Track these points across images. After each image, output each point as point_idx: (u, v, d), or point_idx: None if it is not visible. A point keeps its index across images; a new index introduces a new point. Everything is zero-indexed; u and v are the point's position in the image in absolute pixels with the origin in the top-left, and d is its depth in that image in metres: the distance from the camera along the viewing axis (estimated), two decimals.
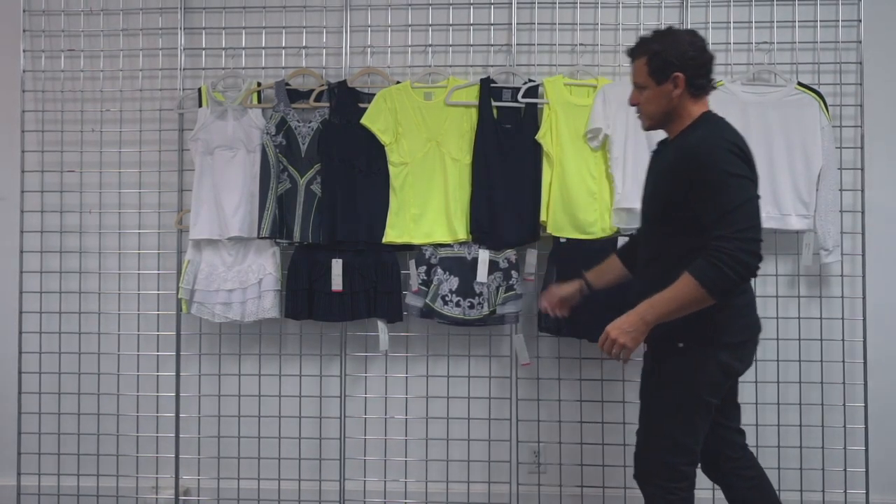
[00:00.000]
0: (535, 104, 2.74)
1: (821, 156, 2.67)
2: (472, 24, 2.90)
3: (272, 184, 2.75)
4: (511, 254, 2.74)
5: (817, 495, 2.81)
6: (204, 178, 2.80)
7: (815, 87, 2.73)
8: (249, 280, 2.78)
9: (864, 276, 2.78)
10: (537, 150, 2.72)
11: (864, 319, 2.78)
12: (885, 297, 2.85)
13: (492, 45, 2.91)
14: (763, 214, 2.68)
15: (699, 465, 2.07)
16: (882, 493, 2.83)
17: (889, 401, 2.85)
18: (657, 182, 1.97)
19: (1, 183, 3.04)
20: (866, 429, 2.77)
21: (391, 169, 2.75)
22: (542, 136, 2.70)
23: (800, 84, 2.71)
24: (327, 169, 2.75)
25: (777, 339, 2.78)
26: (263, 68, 2.94)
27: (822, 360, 2.81)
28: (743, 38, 2.83)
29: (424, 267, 2.75)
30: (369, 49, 2.92)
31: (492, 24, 2.90)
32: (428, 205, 2.74)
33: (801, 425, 2.81)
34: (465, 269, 2.74)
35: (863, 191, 2.80)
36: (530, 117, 2.74)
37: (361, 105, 2.76)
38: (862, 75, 2.80)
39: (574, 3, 2.87)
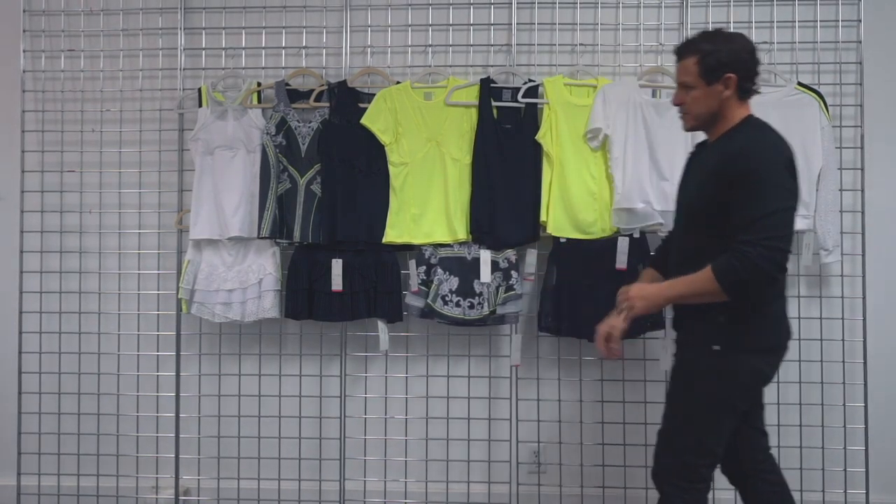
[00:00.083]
0: (535, 104, 2.74)
1: (821, 156, 2.67)
2: (472, 24, 2.90)
3: (272, 184, 2.75)
4: (511, 254, 2.74)
5: (817, 495, 2.81)
6: (204, 178, 2.80)
7: (815, 87, 2.73)
8: (249, 280, 2.78)
9: (864, 276, 2.78)
10: (537, 150, 2.72)
11: (864, 319, 2.78)
12: (885, 297, 2.85)
13: (492, 45, 2.91)
14: None
15: (719, 467, 2.08)
16: (882, 493, 2.83)
17: (889, 401, 2.85)
18: (700, 184, 1.94)
19: (1, 183, 3.04)
20: (866, 429, 2.77)
21: (391, 169, 2.75)
22: (542, 136, 2.70)
23: (800, 84, 2.71)
24: (327, 169, 2.75)
25: None
26: (263, 68, 2.94)
27: (822, 360, 2.81)
28: None
29: (424, 267, 2.75)
30: (369, 49, 2.92)
31: (492, 24, 2.90)
32: (428, 205, 2.74)
33: (801, 425, 2.82)
34: (465, 269, 2.74)
35: (863, 191, 2.80)
36: (530, 117, 2.74)
37: (361, 105, 2.76)
38: (862, 75, 2.80)
39: (574, 3, 2.87)
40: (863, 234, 2.79)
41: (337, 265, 2.74)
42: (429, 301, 2.72)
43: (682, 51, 1.95)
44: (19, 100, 2.97)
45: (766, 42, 2.80)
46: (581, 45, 2.88)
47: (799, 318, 2.81)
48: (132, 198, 2.99)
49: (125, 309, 2.99)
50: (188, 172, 2.88)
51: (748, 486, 2.11)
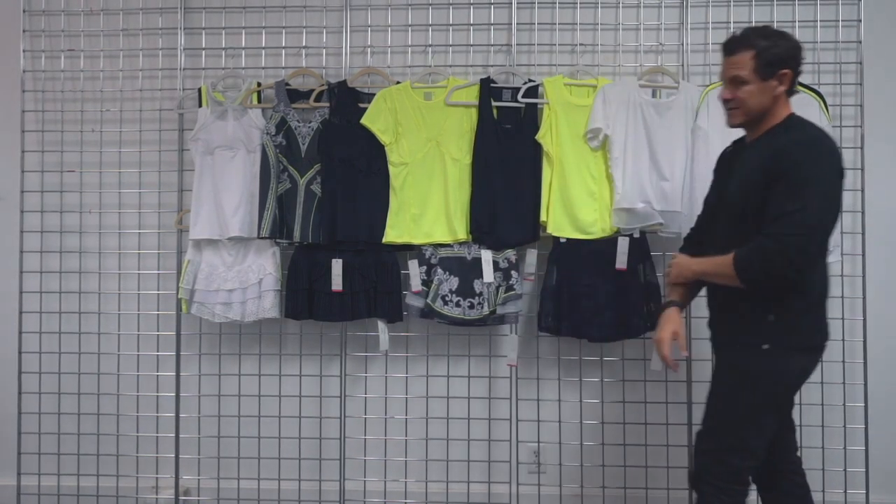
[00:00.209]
0: (535, 104, 2.74)
1: None
2: (472, 24, 2.90)
3: (272, 184, 2.75)
4: (511, 254, 2.74)
5: (817, 495, 2.78)
6: (204, 178, 2.80)
7: (815, 87, 2.73)
8: (249, 280, 2.78)
9: (864, 276, 2.78)
10: (537, 150, 2.72)
11: (864, 319, 2.78)
12: (885, 297, 2.85)
13: (492, 45, 2.91)
14: None
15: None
16: (882, 493, 2.83)
17: (889, 401, 2.85)
18: (745, 182, 1.91)
19: (1, 183, 3.04)
20: (866, 429, 2.77)
21: (391, 169, 2.75)
22: (542, 136, 2.70)
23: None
24: (327, 169, 2.75)
25: None
26: (263, 68, 2.94)
27: (822, 360, 2.80)
28: None
29: (424, 267, 2.75)
30: (369, 49, 2.92)
31: (492, 24, 2.90)
32: (428, 205, 2.74)
33: (800, 425, 2.79)
34: (465, 269, 2.74)
35: (863, 191, 2.80)
36: (530, 117, 2.74)
37: (361, 105, 2.76)
38: (862, 75, 2.80)
39: (574, 3, 2.87)
40: (863, 234, 2.79)
41: (337, 265, 2.74)
42: (429, 301, 2.72)
43: (734, 45, 1.91)
44: (19, 100, 2.97)
45: None
46: (581, 45, 2.88)
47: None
48: (132, 198, 2.99)
49: (125, 309, 2.99)
50: (188, 172, 2.88)
51: (775, 485, 2.09)
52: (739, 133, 2.71)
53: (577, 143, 2.71)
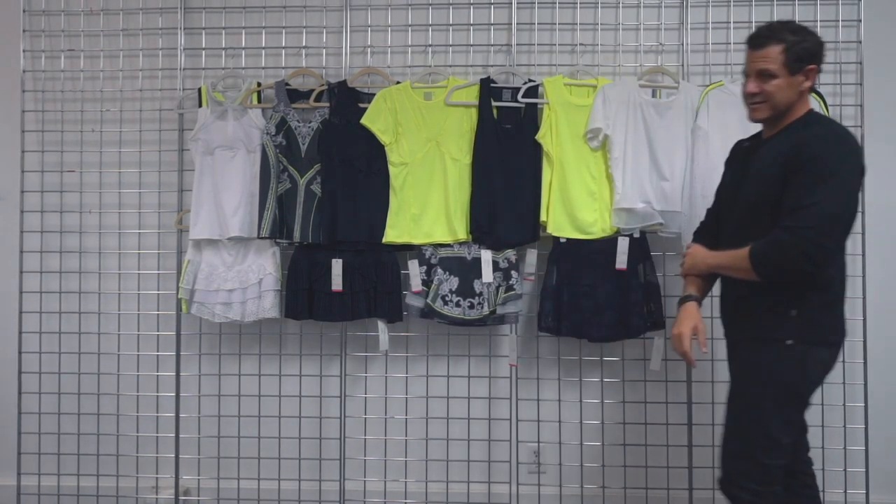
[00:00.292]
0: (535, 104, 2.74)
1: None
2: (472, 24, 2.90)
3: (272, 184, 2.75)
4: (511, 254, 2.74)
5: None
6: (204, 178, 2.81)
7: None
8: (249, 280, 2.78)
9: (864, 276, 2.78)
10: (537, 150, 2.72)
11: (864, 319, 2.78)
12: (885, 297, 2.85)
13: (492, 45, 2.91)
14: None
15: None
16: (882, 493, 2.83)
17: (889, 401, 2.85)
18: (764, 179, 1.89)
19: (1, 183, 3.04)
20: (866, 429, 2.77)
21: (391, 169, 2.75)
22: (542, 136, 2.70)
23: None
24: (327, 169, 2.75)
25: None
26: (263, 68, 2.94)
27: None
28: (743, 38, 2.80)
29: (424, 267, 2.75)
30: (369, 49, 2.92)
31: (492, 24, 2.90)
32: (428, 205, 2.74)
33: None
34: (465, 269, 2.74)
35: (863, 191, 2.80)
36: (530, 117, 2.74)
37: (361, 105, 2.76)
38: (862, 75, 2.80)
39: (574, 3, 2.87)
40: (863, 234, 2.79)
41: (337, 265, 2.74)
42: (428, 301, 2.72)
43: (762, 39, 1.89)
44: (19, 100, 2.97)
45: None
46: (581, 45, 2.88)
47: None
48: (132, 198, 2.99)
49: (125, 309, 2.99)
50: (188, 172, 2.88)
51: (788, 486, 2.05)
52: (738, 133, 2.71)
53: (577, 143, 2.71)
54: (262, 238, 2.77)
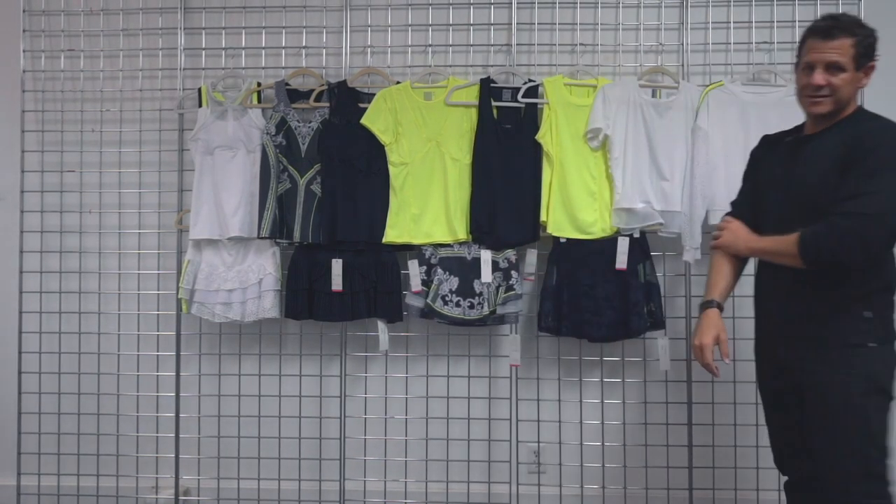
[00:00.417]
0: (535, 104, 2.74)
1: None
2: (472, 24, 2.90)
3: (272, 184, 2.75)
4: (511, 254, 2.74)
5: None
6: (204, 178, 2.81)
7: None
8: (249, 280, 2.78)
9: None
10: (537, 150, 2.72)
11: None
12: None
13: (492, 45, 2.91)
14: None
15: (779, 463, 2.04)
16: None
17: None
18: (823, 170, 1.82)
19: (1, 183, 3.04)
20: None
21: (391, 169, 2.75)
22: (542, 136, 2.70)
23: None
24: (327, 169, 2.75)
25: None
26: (263, 68, 2.94)
27: None
28: (743, 38, 2.84)
29: (424, 267, 2.75)
30: (369, 49, 2.92)
31: (492, 24, 2.90)
32: (428, 205, 2.74)
33: None
34: (465, 269, 2.74)
35: None
36: (530, 117, 2.74)
37: (361, 105, 2.76)
38: None
39: (574, 3, 2.87)
40: None
41: (337, 265, 2.74)
42: (428, 301, 2.72)
43: (834, 30, 1.82)
44: (19, 100, 2.97)
45: (766, 42, 2.81)
46: (581, 45, 2.87)
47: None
48: (132, 198, 2.99)
49: (125, 309, 2.99)
50: (188, 172, 2.88)
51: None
52: (739, 133, 2.70)
53: (577, 143, 2.71)
54: (262, 238, 2.77)
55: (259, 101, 2.84)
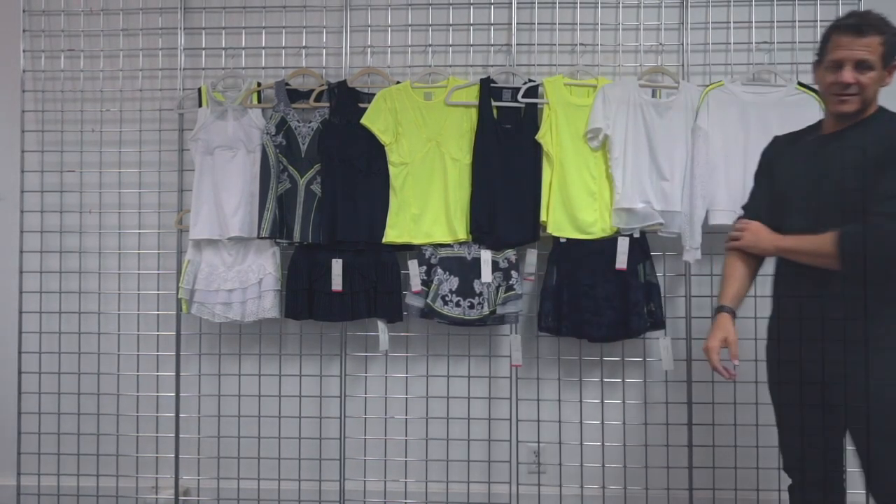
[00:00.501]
0: (535, 104, 2.74)
1: None
2: (472, 24, 2.90)
3: (272, 184, 2.75)
4: (511, 254, 2.74)
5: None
6: (204, 178, 2.81)
7: (815, 86, 2.72)
8: (249, 280, 2.78)
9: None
10: (537, 150, 2.72)
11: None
12: None
13: (492, 45, 2.91)
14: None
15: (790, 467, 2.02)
16: None
17: None
18: (851, 173, 1.80)
19: (1, 183, 3.04)
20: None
21: (391, 169, 2.75)
22: (542, 136, 2.70)
23: (800, 84, 2.71)
24: (327, 169, 2.75)
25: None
26: (263, 68, 2.94)
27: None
28: (743, 38, 2.84)
29: (424, 267, 2.75)
30: (369, 49, 2.92)
31: (492, 24, 2.90)
32: (428, 205, 2.74)
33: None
34: (465, 269, 2.74)
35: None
36: (530, 117, 2.74)
37: (361, 105, 2.76)
38: None
39: (574, 3, 2.87)
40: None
41: (337, 265, 2.74)
42: (428, 301, 2.72)
43: (864, 27, 1.80)
44: (19, 100, 2.97)
45: (766, 42, 2.81)
46: (581, 45, 2.88)
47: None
48: (132, 198, 3.00)
49: (125, 309, 2.99)
50: (188, 172, 2.88)
51: (834, 487, 2.00)
52: (739, 133, 2.70)
53: (577, 143, 2.71)
54: (262, 238, 2.77)
55: (259, 101, 2.84)
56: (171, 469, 2.93)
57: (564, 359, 2.89)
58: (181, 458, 2.93)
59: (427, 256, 2.76)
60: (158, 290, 2.98)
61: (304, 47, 2.93)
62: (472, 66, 2.90)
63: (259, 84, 2.84)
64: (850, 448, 1.95)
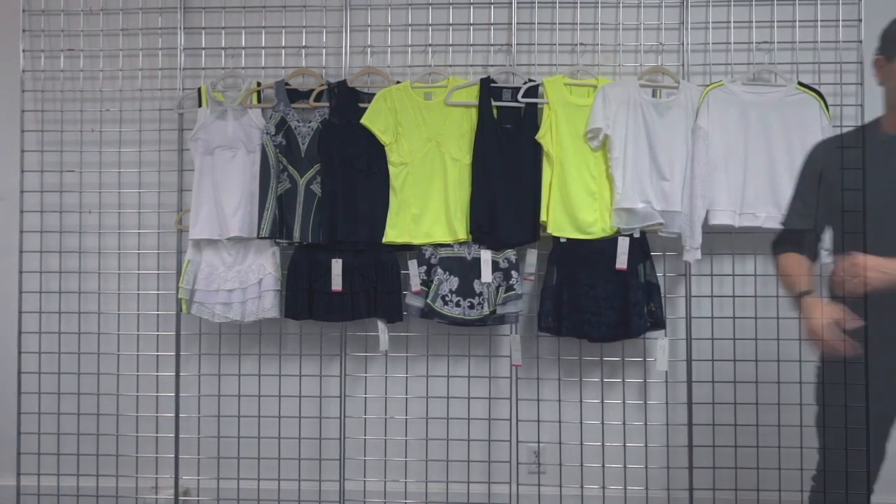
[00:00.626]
0: (535, 104, 2.74)
1: None
2: (472, 24, 2.90)
3: (272, 184, 2.75)
4: (511, 254, 2.74)
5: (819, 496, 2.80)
6: (204, 178, 2.80)
7: (816, 86, 2.72)
8: (249, 280, 2.78)
9: (864, 276, 2.77)
10: (537, 150, 2.72)
11: (865, 319, 2.77)
12: None
13: (492, 45, 2.91)
14: (763, 214, 2.70)
15: None
16: (883, 493, 2.82)
17: None
18: None
19: (1, 183, 3.04)
20: (867, 429, 2.77)
21: (391, 169, 2.75)
22: (542, 136, 2.70)
23: (800, 84, 2.71)
24: (327, 169, 2.75)
25: (778, 339, 2.77)
26: (263, 68, 2.94)
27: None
28: (743, 38, 2.83)
29: (424, 267, 2.75)
30: (369, 49, 2.92)
31: (492, 24, 2.90)
32: (428, 205, 2.74)
33: (801, 426, 2.81)
34: (465, 269, 2.74)
35: (864, 190, 2.79)
36: (530, 117, 2.74)
37: (361, 105, 2.76)
38: (862, 75, 2.80)
39: (574, 3, 2.87)
40: (864, 233, 2.78)
41: (337, 265, 2.74)
42: (428, 301, 2.72)
43: None
44: (19, 100, 2.97)
45: (766, 42, 2.80)
46: (581, 45, 2.87)
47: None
48: (132, 198, 2.99)
49: (125, 309, 2.99)
50: (188, 172, 2.88)
51: None
52: (739, 133, 2.70)
53: (577, 142, 2.71)
54: (261, 238, 2.77)
55: (259, 100, 2.84)
56: (171, 469, 2.92)
57: (564, 359, 2.89)
58: (181, 458, 2.93)
59: (427, 256, 2.75)
60: (158, 290, 2.98)
61: (303, 47, 2.93)
62: (472, 65, 2.90)
63: (259, 84, 2.84)
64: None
